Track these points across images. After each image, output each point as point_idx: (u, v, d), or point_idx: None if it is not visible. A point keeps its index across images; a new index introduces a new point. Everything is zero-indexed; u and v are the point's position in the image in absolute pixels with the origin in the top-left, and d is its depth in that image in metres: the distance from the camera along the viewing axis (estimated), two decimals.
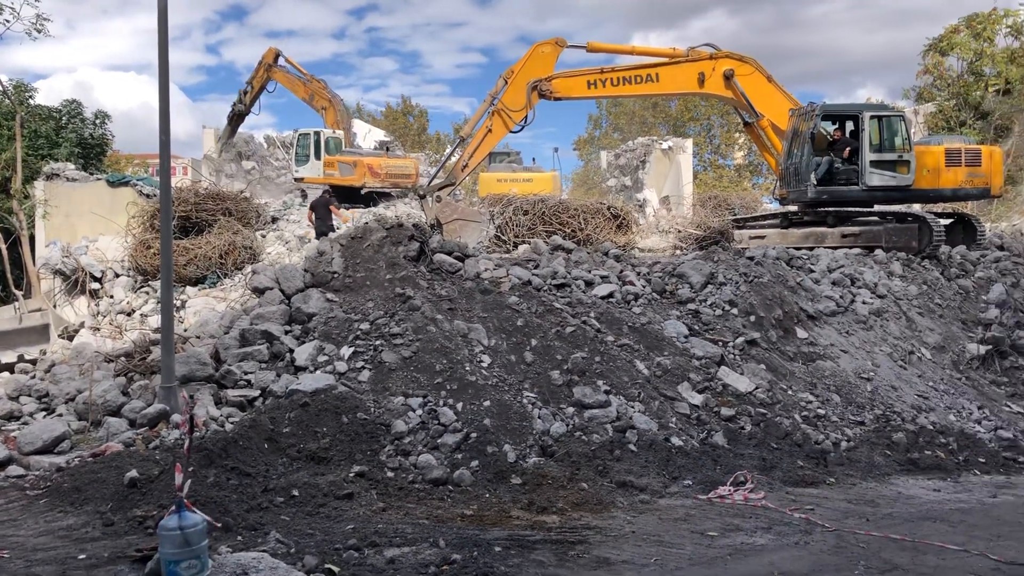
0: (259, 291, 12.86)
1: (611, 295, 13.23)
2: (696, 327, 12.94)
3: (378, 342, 10.99)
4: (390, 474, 8.95)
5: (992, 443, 11.99)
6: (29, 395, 11.46)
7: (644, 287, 13.66)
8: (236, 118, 35.20)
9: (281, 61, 32.80)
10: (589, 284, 13.49)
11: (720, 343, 12.60)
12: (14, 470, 8.89)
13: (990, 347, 14.33)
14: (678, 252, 18.05)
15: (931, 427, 11.89)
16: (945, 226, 17.13)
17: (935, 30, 33.63)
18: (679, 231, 20.09)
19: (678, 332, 12.66)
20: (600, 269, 14.05)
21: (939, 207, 18.86)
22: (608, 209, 18.62)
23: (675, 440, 10.38)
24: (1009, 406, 13.29)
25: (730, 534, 7.77)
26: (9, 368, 13.88)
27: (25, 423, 10.59)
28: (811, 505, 8.88)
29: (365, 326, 11.30)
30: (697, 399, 11.43)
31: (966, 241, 17.55)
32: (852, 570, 6.76)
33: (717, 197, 25.44)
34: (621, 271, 14.12)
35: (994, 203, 24.25)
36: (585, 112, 71.09)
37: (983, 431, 12.21)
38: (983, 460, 11.43)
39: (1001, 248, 17.71)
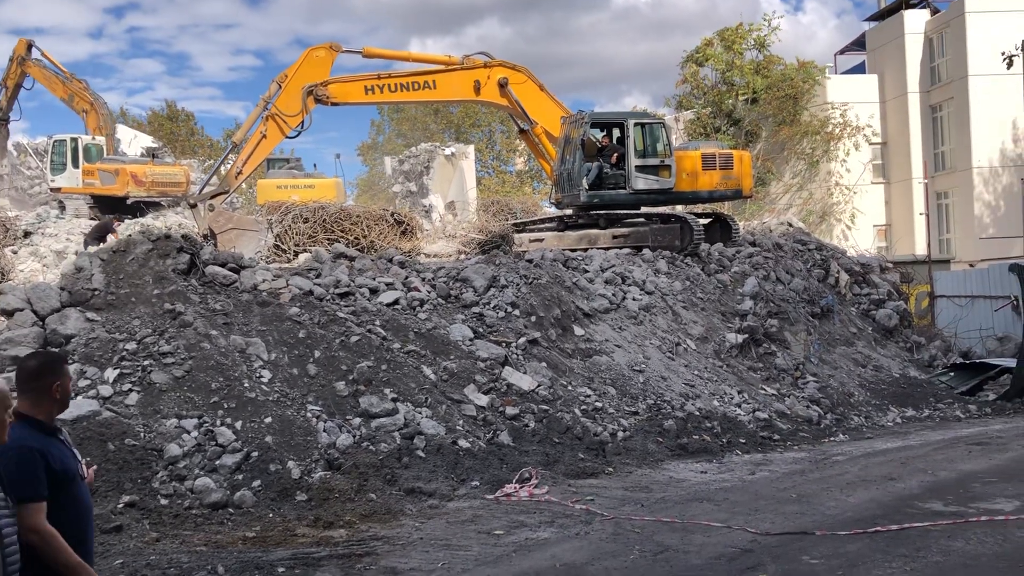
0: (7, 313, 11.69)
1: (396, 302, 13.19)
2: (481, 329, 13.17)
3: (147, 362, 10.31)
4: (164, 502, 8.45)
5: (751, 424, 13.08)
6: None
7: (429, 292, 13.73)
8: None
9: (35, 54, 30.01)
10: (374, 292, 13.37)
11: (503, 344, 12.90)
12: None
13: (746, 336, 15.63)
14: (462, 257, 18.30)
15: (697, 413, 12.78)
16: (704, 225, 18.46)
17: (692, 42, 36.24)
18: (461, 236, 20.39)
19: (463, 335, 12.83)
20: (385, 276, 13.96)
21: (699, 208, 20.29)
22: (392, 215, 18.55)
23: (462, 442, 10.52)
24: (764, 389, 14.55)
25: (515, 531, 7.97)
26: None
27: None
28: (591, 496, 9.27)
29: (131, 346, 10.57)
30: (483, 400, 11.64)
31: (723, 239, 19.02)
32: (628, 555, 7.13)
33: (499, 202, 26.01)
34: (406, 277, 14.10)
35: (746, 203, 26.47)
36: (367, 118, 70.61)
37: (743, 414, 13.29)
38: (743, 440, 12.45)
39: (754, 244, 19.35)
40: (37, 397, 3.78)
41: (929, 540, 7.39)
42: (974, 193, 31.12)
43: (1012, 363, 17.58)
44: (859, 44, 38.82)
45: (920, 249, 28.75)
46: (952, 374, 18.25)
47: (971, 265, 25.75)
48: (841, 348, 17.36)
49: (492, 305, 13.87)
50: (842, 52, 41.88)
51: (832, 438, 13.27)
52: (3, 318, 11.93)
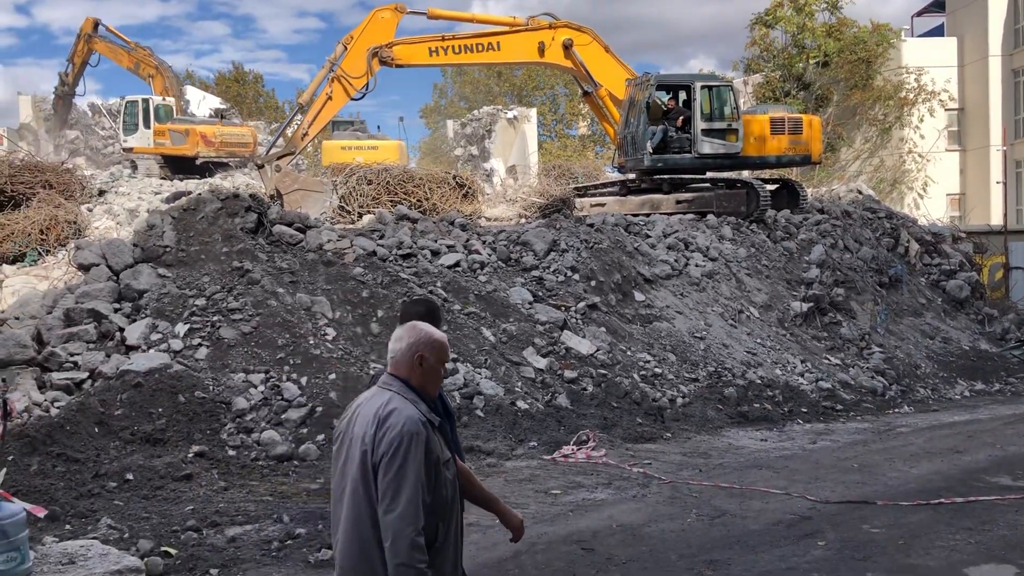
0: (84, 268, 12.10)
1: (457, 264, 13.29)
2: (540, 293, 13.20)
3: (215, 318, 10.60)
4: (232, 452, 8.72)
5: (813, 394, 12.91)
6: None
7: (490, 255, 13.79)
8: (61, 101, 32.64)
9: (101, 30, 30.64)
10: (435, 254, 13.48)
11: (563, 308, 12.91)
12: None
13: (811, 304, 15.36)
14: (523, 221, 18.29)
15: (759, 381, 12.65)
16: (771, 191, 18.12)
17: (762, 3, 35.30)
18: (523, 200, 20.34)
19: (523, 299, 12.88)
20: (446, 239, 14.06)
21: (766, 173, 19.89)
22: (454, 178, 18.58)
23: (521, 404, 10.61)
24: (828, 359, 14.32)
25: (573, 491, 8.04)
26: None
27: None
28: (649, 460, 9.29)
29: (201, 302, 10.87)
30: (542, 363, 11.70)
31: (790, 205, 18.63)
32: (685, 518, 7.14)
33: (561, 166, 25.82)
34: (467, 240, 14.18)
35: (815, 169, 25.84)
36: (430, 81, 70.59)
37: (805, 383, 13.12)
38: (805, 410, 12.31)
39: (821, 212, 18.93)
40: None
41: (995, 514, 7.24)
42: None
43: None
44: (939, 5, 37.37)
45: (995, 219, 27.76)
46: None
47: None
48: (909, 319, 16.96)
49: (552, 269, 13.87)
50: (920, 14, 40.37)
51: (897, 410, 13.02)
52: (81, 272, 12.37)
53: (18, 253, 16.72)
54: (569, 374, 11.58)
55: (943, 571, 5.84)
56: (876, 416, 12.50)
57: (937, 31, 37.80)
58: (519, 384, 11.06)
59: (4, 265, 16.27)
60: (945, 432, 11.22)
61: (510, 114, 34.72)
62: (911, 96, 31.96)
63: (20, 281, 15.30)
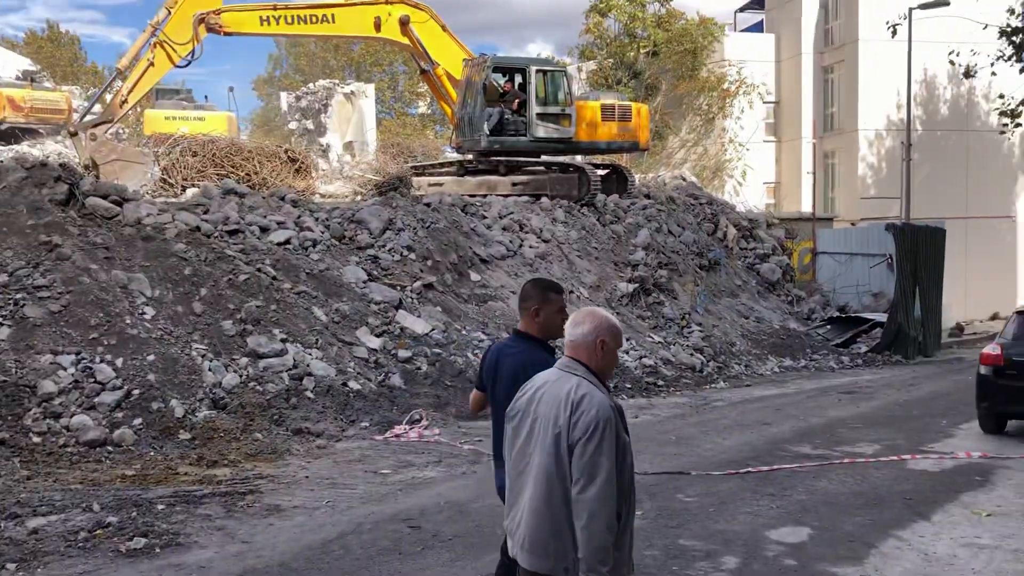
0: None
1: (288, 241, 12.93)
2: (375, 272, 13.07)
3: (19, 295, 9.83)
4: (37, 439, 8.16)
5: (637, 370, 13.48)
6: None
7: (323, 233, 13.50)
8: None
9: None
10: (264, 230, 13.06)
11: (398, 287, 12.84)
12: None
13: (636, 285, 16.00)
14: (358, 198, 18.00)
15: None
16: (601, 176, 18.66)
17: None
18: (359, 177, 20.01)
19: (357, 278, 12.71)
20: (276, 215, 13.64)
21: (597, 159, 20.46)
22: (285, 152, 18.04)
23: (353, 384, 10.49)
24: (651, 337, 14.98)
25: (403, 470, 8.05)
26: None
27: None
28: (480, 437, 9.40)
29: (3, 278, 10.05)
30: (375, 343, 11.61)
31: (619, 190, 19.27)
32: None
33: (400, 144, 25.58)
34: (299, 217, 13.81)
35: (643, 156, 26.82)
36: (264, 51, 68.08)
37: (630, 360, 13.66)
38: (629, 386, 12.83)
39: (648, 197, 19.71)
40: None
41: (796, 480, 7.83)
42: (859, 155, 32.41)
43: (884, 318, 18.61)
44: (759, 2, 39.51)
45: (806, 207, 29.82)
46: (828, 327, 19.20)
47: (852, 224, 26.90)
48: (726, 299, 17.98)
49: (388, 248, 13.75)
50: (742, 10, 42.56)
51: (713, 385, 13.81)
52: None
53: None
54: (403, 353, 11.54)
55: (747, 534, 6.26)
56: (694, 391, 13.21)
57: (757, 27, 39.97)
58: (351, 364, 10.93)
59: None
60: (756, 406, 12.01)
61: (347, 89, 33.99)
62: (733, 88, 33.69)
63: None
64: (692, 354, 14.85)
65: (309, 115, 34.53)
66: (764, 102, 34.68)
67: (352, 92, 33.81)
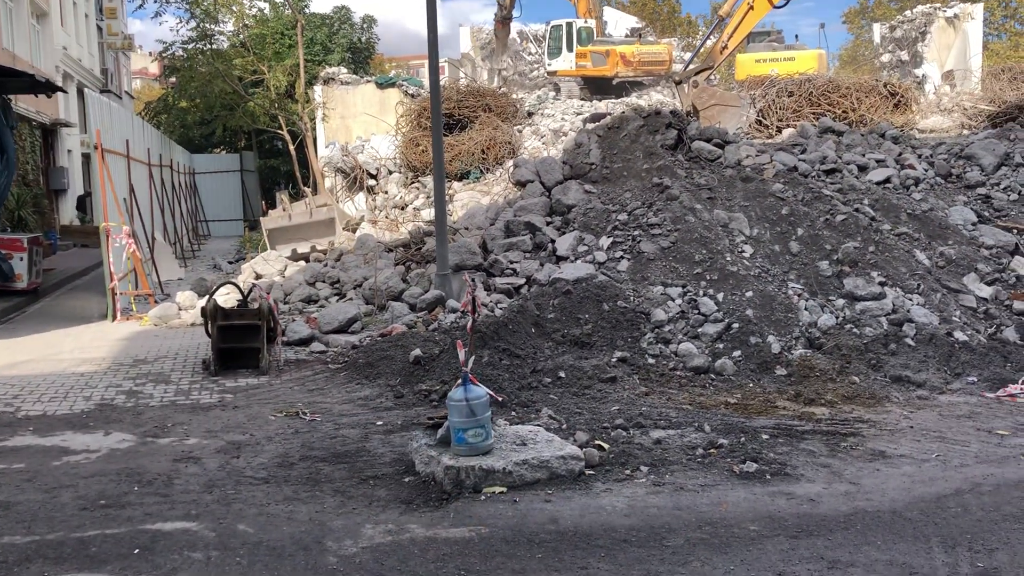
0: (520, 184, 13.26)
1: (888, 180, 12.30)
2: (986, 213, 11.78)
3: (636, 232, 11.01)
4: (651, 361, 9.09)
5: None
6: (323, 281, 12.73)
7: (926, 171, 12.56)
8: (500, 26, 35.38)
9: None
10: (863, 169, 12.60)
11: (1015, 231, 11.39)
12: (317, 346, 10.03)
13: None
14: (965, 132, 16.30)
15: None
16: None
17: None
18: (966, 108, 18.06)
19: (965, 219, 11.59)
20: (875, 152, 13.05)
21: None
22: (884, 86, 17.06)
23: (958, 334, 9.64)
24: None
25: (1022, 433, 7.19)
26: (304, 257, 15.42)
27: (322, 306, 11.82)
28: None
29: (623, 217, 11.35)
30: (986, 291, 10.49)
31: None
32: None
33: (1013, 68, 22.50)
34: (899, 154, 13.03)
35: None
36: None
37: None
38: None
39: None
40: None
41: None
42: None
43: None
44: None
45: None
46: None
47: None
48: None
49: (1003, 186, 12.27)
50: None
51: None
52: (517, 188, 13.56)
53: (463, 171, 18.81)
54: (1019, 306, 10.24)
55: None
56: None
57: None
58: (957, 313, 10.04)
59: (453, 182, 18.42)
60: None
61: (950, 12, 30.87)
62: None
63: (466, 196, 17.24)
64: None
65: (904, 45, 32.26)
66: None
67: (956, 15, 30.64)
